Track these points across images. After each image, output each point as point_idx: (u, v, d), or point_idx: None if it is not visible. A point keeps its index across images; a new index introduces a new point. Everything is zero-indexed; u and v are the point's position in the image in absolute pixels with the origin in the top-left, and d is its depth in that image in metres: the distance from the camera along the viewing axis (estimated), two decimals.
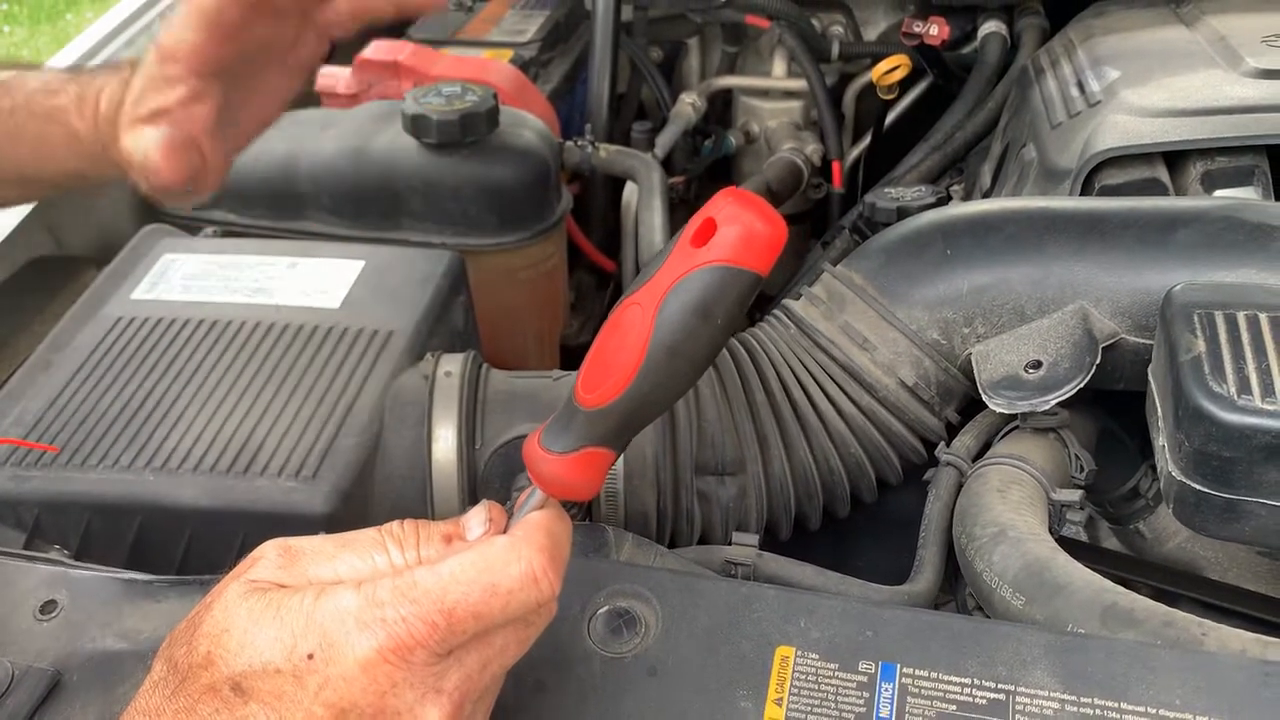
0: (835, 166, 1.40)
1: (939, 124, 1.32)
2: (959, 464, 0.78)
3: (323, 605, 0.41)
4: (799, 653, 0.51)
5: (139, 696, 0.44)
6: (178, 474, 0.74)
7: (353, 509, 0.74)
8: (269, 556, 0.45)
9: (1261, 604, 0.72)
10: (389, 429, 0.78)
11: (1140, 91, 0.95)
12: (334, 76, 1.20)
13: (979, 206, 0.83)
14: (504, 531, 0.46)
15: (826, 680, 0.50)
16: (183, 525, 0.74)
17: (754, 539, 0.68)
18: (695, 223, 0.41)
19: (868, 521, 0.89)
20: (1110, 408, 0.84)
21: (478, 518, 0.46)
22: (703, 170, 1.38)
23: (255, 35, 0.66)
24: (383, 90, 1.18)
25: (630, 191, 1.24)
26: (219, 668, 0.41)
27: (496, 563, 0.42)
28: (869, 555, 0.90)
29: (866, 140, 1.50)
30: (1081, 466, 0.78)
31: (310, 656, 0.40)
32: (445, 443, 0.78)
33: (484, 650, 0.43)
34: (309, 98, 1.21)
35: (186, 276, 0.92)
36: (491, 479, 0.78)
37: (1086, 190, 0.89)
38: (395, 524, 0.46)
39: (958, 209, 0.84)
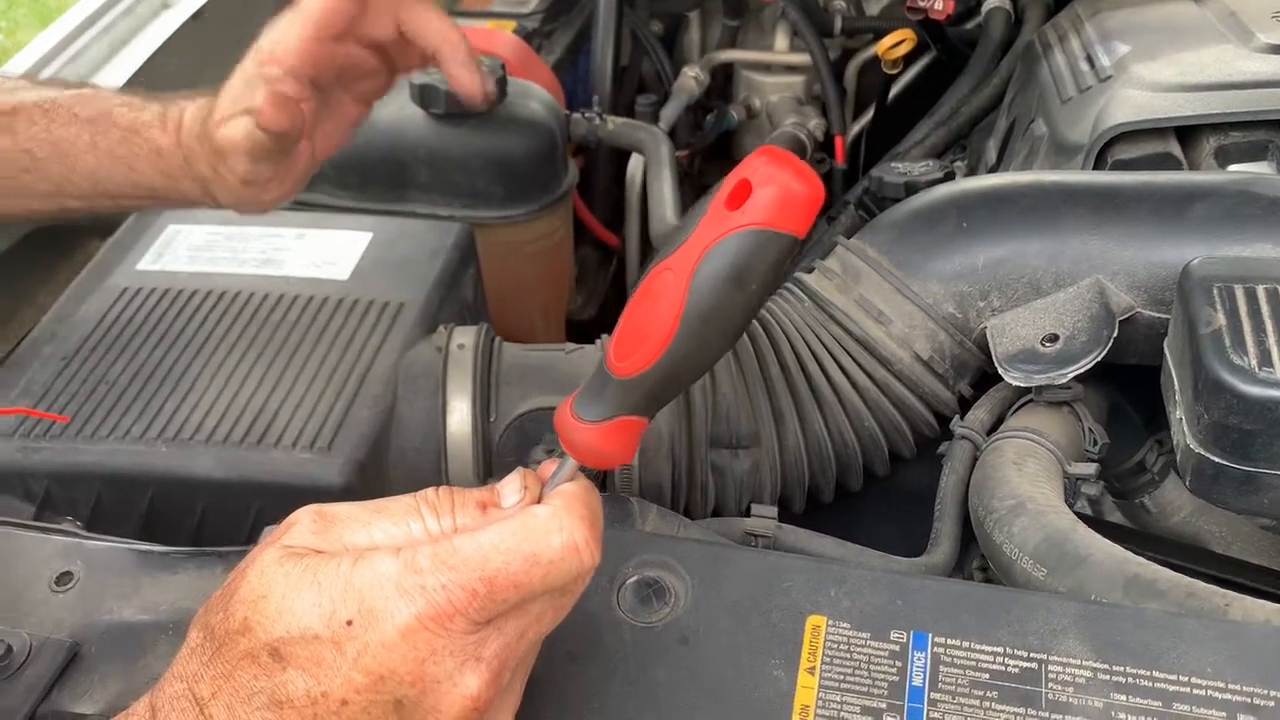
0: (838, 141, 1.39)
1: (943, 99, 1.31)
2: (973, 437, 0.78)
3: (361, 571, 0.41)
4: (830, 622, 0.51)
5: (176, 663, 0.43)
6: (191, 445, 0.74)
7: (368, 481, 0.74)
8: (303, 522, 0.44)
9: (1266, 577, 0.72)
10: (403, 401, 0.78)
11: (1152, 66, 0.94)
12: None
13: (994, 180, 0.83)
14: (538, 500, 0.45)
15: (859, 649, 0.50)
16: (196, 497, 0.73)
17: (773, 511, 0.68)
18: (729, 184, 0.41)
19: (877, 494, 0.89)
20: (1116, 382, 0.84)
21: (512, 485, 0.45)
22: (705, 145, 1.37)
23: (345, 54, 0.71)
24: None
25: (635, 165, 1.24)
26: (256, 634, 0.41)
27: (538, 532, 0.42)
28: (879, 527, 0.90)
29: (869, 115, 1.49)
30: (1095, 440, 0.79)
31: (349, 623, 0.40)
32: (460, 415, 0.77)
33: (522, 619, 0.43)
34: None
35: (192, 247, 0.91)
36: (506, 452, 0.78)
37: (1099, 165, 0.89)
38: (430, 491, 0.45)
39: (972, 182, 0.83)
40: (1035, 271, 0.77)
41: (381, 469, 0.76)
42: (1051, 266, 0.77)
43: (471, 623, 0.41)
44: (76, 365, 0.80)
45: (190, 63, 1.11)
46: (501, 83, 0.98)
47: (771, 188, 0.39)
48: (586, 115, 1.04)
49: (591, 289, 1.23)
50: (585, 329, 1.20)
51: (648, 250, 1.28)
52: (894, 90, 1.49)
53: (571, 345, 0.84)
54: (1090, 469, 0.74)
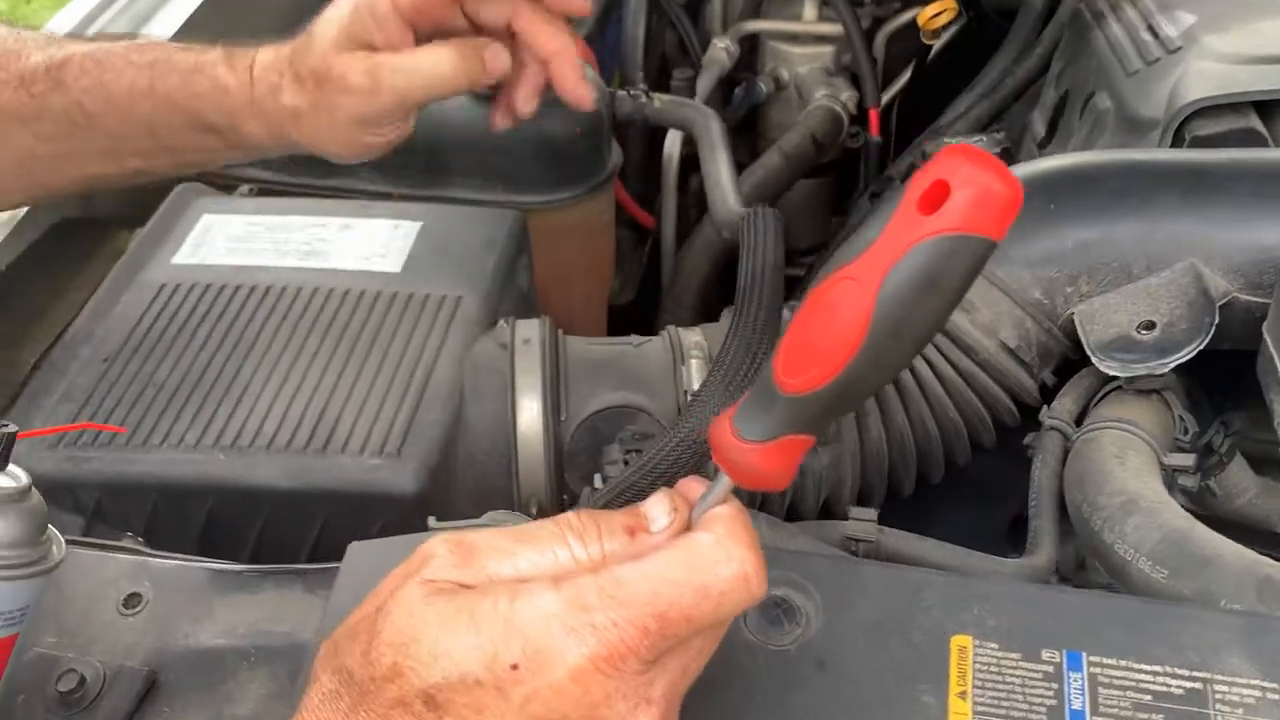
0: (872, 114, 1.35)
1: (985, 70, 1.28)
2: (1064, 428, 0.75)
3: (521, 609, 0.38)
4: (977, 642, 0.49)
5: (306, 710, 0.40)
6: (251, 453, 0.70)
7: (439, 487, 0.71)
8: (442, 554, 0.41)
9: None
10: (470, 401, 0.74)
11: (1224, 37, 0.91)
12: None
13: (1079, 159, 0.80)
14: (687, 524, 0.42)
15: (1010, 671, 0.48)
16: (258, 508, 0.70)
17: (873, 514, 0.65)
18: (920, 185, 0.37)
19: (948, 483, 0.86)
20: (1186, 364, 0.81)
21: (660, 508, 0.42)
22: (736, 120, 1.33)
23: (450, 20, 0.70)
24: None
25: (672, 143, 1.20)
26: (409, 679, 0.37)
27: (706, 562, 0.38)
28: (950, 518, 0.88)
29: (897, 86, 1.45)
30: (1186, 429, 0.76)
31: (514, 666, 0.37)
32: (530, 414, 0.74)
33: (685, 653, 0.40)
34: None
35: (231, 239, 0.86)
36: (578, 452, 0.75)
37: (1177, 142, 0.86)
38: (571, 515, 0.42)
39: (1055, 161, 0.80)
40: (1126, 255, 0.74)
41: (450, 473, 0.73)
42: (1143, 250, 0.74)
43: (643, 662, 0.38)
44: (119, 368, 0.76)
45: (211, 41, 1.06)
46: None
47: (972, 189, 0.36)
48: (632, 93, 0.99)
49: (628, 272, 1.20)
50: (623, 314, 1.16)
51: (684, 231, 1.24)
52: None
53: (638, 338, 0.81)
54: (1189, 460, 0.72)
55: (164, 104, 0.70)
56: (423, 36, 0.69)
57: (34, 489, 0.51)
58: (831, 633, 0.49)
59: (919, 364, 0.77)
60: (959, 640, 0.49)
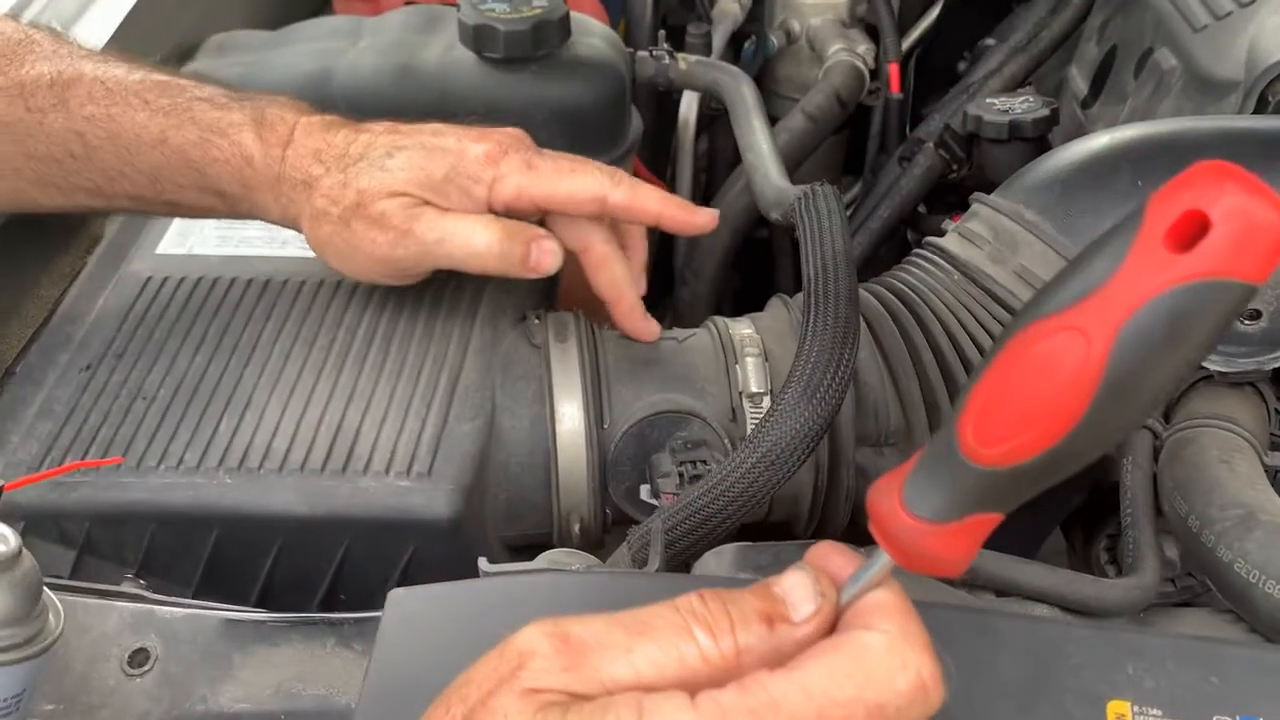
0: (893, 69, 1.27)
1: (1011, 21, 1.20)
2: (1154, 425, 0.68)
3: None
4: (1136, 708, 0.42)
5: None
6: (263, 476, 0.62)
7: (473, 508, 0.63)
8: (543, 651, 0.33)
9: None
10: (502, 409, 0.67)
11: None
12: None
13: (1168, 126, 0.73)
14: (836, 608, 0.35)
15: None
16: (270, 538, 0.62)
17: None
18: (1166, 214, 0.29)
19: None
20: None
21: (803, 591, 0.35)
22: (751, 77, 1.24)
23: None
24: None
25: (688, 106, 1.11)
26: None
27: (880, 673, 0.32)
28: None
29: (913, 37, 1.37)
30: None
31: None
32: (571, 422, 0.66)
33: None
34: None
35: (221, 225, 0.77)
36: (621, 461, 0.67)
37: (1261, 106, 0.79)
38: (694, 599, 0.34)
39: (1141, 129, 0.73)
40: None
41: (483, 491, 0.65)
42: None
43: None
44: (104, 376, 0.68)
45: (175, 11, 0.96)
46: (564, 20, 0.85)
47: (1238, 224, 0.28)
48: (655, 54, 0.91)
49: None
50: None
51: (701, 202, 1.16)
52: (936, 11, 1.37)
53: (681, 331, 0.74)
54: None
55: (175, 158, 0.63)
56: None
57: (25, 551, 0.43)
58: (972, 701, 0.43)
59: None
60: (1116, 706, 0.42)
